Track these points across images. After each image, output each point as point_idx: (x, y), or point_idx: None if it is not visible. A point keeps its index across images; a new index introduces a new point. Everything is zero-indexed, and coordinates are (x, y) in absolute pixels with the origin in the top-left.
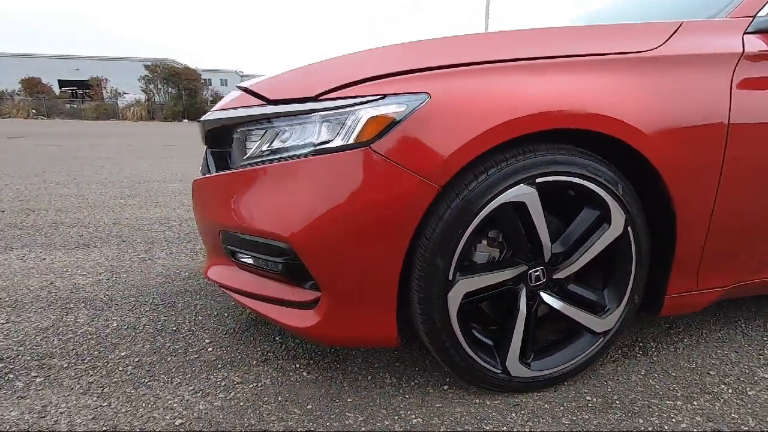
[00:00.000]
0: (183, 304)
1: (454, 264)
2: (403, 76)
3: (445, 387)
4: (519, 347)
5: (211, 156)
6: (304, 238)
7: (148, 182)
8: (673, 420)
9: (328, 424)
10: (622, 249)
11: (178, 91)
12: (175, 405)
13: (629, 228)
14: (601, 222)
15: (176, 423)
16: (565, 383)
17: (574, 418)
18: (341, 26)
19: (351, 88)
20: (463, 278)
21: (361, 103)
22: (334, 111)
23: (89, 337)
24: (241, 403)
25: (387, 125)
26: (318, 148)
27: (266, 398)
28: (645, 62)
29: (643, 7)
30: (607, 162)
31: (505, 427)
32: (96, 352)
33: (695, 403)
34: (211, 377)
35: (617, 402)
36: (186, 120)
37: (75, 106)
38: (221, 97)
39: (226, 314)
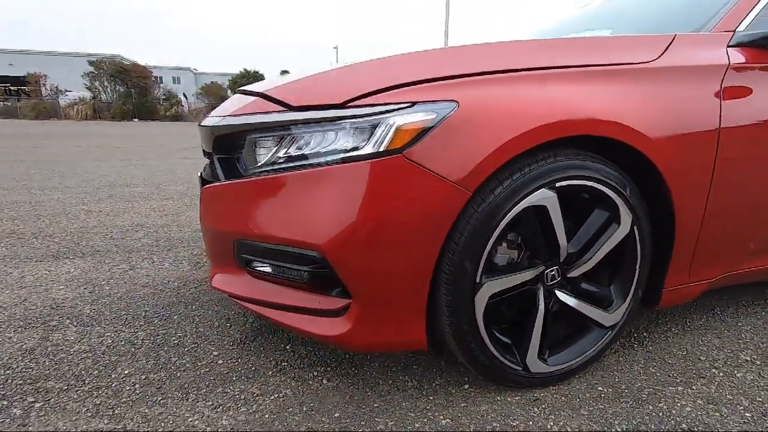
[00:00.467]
0: (179, 316)
1: (481, 267)
2: (430, 84)
3: (466, 386)
4: (538, 344)
5: (218, 162)
6: (336, 247)
7: (110, 187)
8: (679, 404)
9: (359, 431)
10: (628, 247)
11: (127, 89)
12: (197, 422)
13: (635, 227)
14: (610, 222)
15: None
16: (576, 376)
17: (590, 408)
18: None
19: (379, 95)
20: (489, 280)
21: (391, 110)
22: (363, 118)
23: (84, 355)
24: (266, 416)
25: (418, 133)
26: (348, 155)
27: (291, 409)
28: (647, 72)
29: (626, 18)
30: (615, 166)
31: (530, 422)
32: (96, 372)
33: (694, 387)
34: (228, 391)
35: (626, 391)
36: (137, 120)
37: (9, 104)
38: (174, 96)
39: (228, 324)
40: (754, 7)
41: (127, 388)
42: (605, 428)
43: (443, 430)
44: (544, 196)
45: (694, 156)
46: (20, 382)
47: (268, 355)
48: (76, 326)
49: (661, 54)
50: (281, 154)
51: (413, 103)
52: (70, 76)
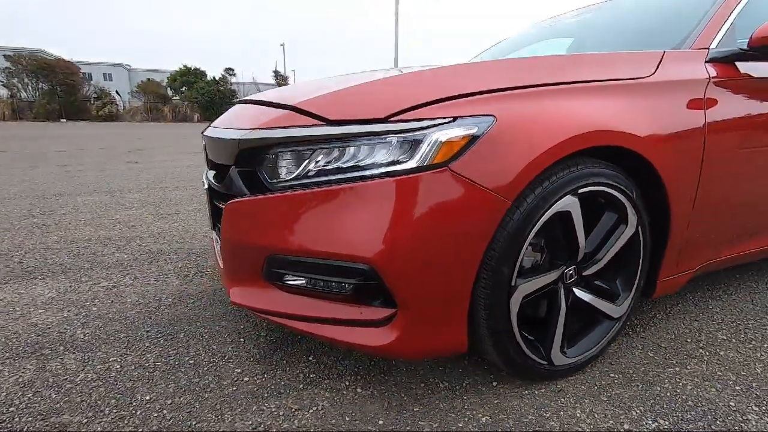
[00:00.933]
0: (186, 334)
1: (516, 271)
2: (468, 98)
3: (494, 383)
4: (561, 339)
5: (239, 175)
6: (386, 259)
7: (57, 196)
8: (681, 383)
9: None
10: (633, 245)
11: (52, 86)
12: None
13: (640, 227)
14: (619, 224)
15: None
16: (589, 366)
17: (609, 394)
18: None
19: (420, 109)
20: (522, 283)
21: (435, 125)
22: (409, 133)
23: (94, 384)
24: (311, 430)
25: (462, 146)
26: (393, 169)
27: (334, 420)
28: (647, 86)
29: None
30: (624, 172)
31: (561, 412)
32: (113, 401)
33: (688, 367)
34: (264, 408)
35: (634, 375)
36: (65, 120)
37: None
38: (107, 94)
39: (241, 339)
40: (721, 26)
41: (155, 415)
42: (625, 411)
43: (485, 428)
44: (570, 202)
45: (686, 160)
46: (29, 419)
47: (294, 368)
48: (73, 353)
49: (656, 69)
50: (317, 167)
51: (455, 118)
52: None
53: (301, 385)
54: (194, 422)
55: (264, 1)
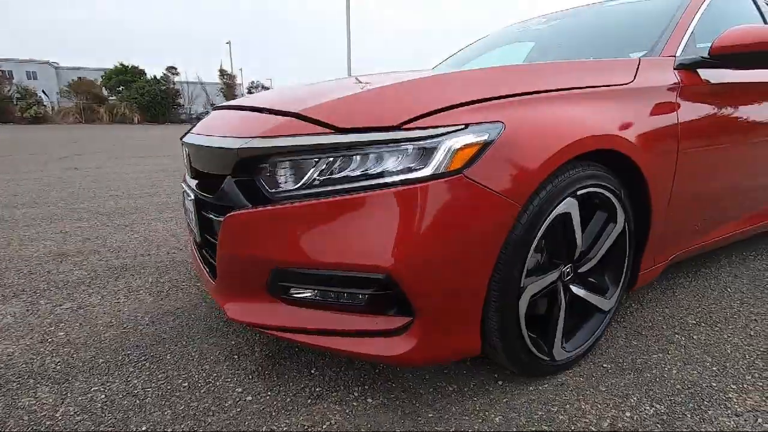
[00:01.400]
0: (173, 355)
1: (524, 272)
2: (478, 105)
3: (500, 382)
4: (561, 335)
5: (235, 185)
6: (404, 267)
7: None
8: (667, 368)
9: None
10: (620, 242)
11: None
12: None
13: (627, 224)
14: (609, 222)
15: None
16: (584, 358)
17: (607, 384)
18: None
19: (433, 117)
20: (530, 283)
21: (448, 132)
22: (424, 140)
23: (78, 418)
24: None
25: (475, 153)
26: (407, 177)
27: None
28: (630, 92)
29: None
30: (614, 173)
31: (567, 405)
32: None
33: (670, 353)
34: (275, 428)
35: (624, 364)
36: None
37: None
38: (33, 94)
39: (235, 356)
40: (684, 36)
41: None
42: (624, 399)
43: (500, 428)
44: (570, 204)
45: (664, 161)
46: None
47: (297, 383)
48: (46, 385)
49: (635, 76)
50: (322, 176)
51: (466, 125)
52: None
53: (309, 401)
54: None
55: None
